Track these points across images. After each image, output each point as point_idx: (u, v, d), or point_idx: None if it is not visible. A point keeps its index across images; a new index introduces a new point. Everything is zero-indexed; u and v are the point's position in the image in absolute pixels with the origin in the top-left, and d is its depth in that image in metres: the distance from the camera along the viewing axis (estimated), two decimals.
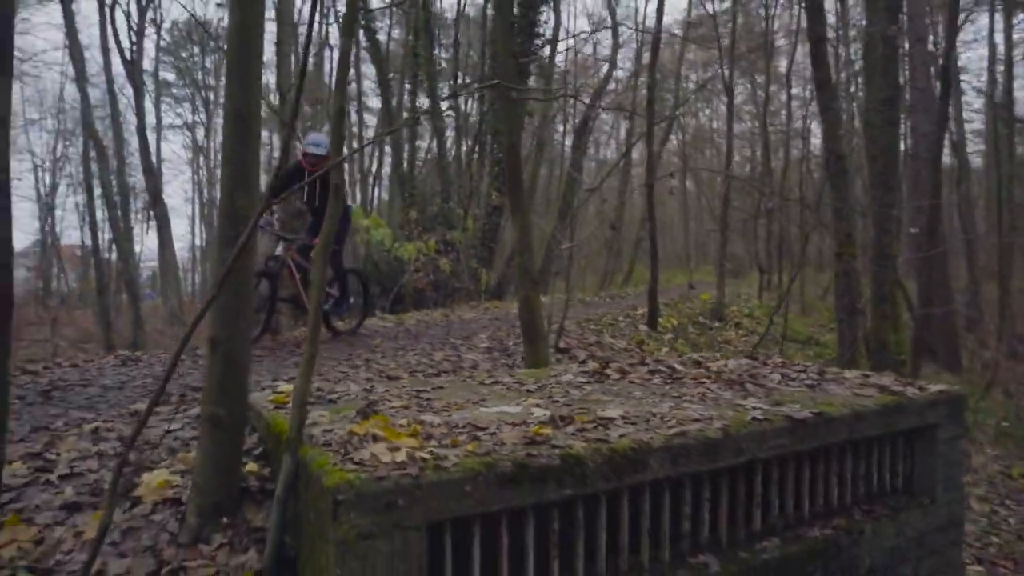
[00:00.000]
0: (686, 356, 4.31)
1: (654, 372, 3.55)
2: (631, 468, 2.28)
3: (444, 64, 17.32)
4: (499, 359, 5.13)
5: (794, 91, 19.97)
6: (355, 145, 17.84)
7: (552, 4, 14.37)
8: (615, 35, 17.73)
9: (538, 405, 2.75)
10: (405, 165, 15.06)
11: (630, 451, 2.28)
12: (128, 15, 19.45)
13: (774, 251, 14.87)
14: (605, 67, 19.04)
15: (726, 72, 12.86)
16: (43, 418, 3.27)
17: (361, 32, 14.00)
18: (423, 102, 14.97)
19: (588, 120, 16.40)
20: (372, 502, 1.86)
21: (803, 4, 8.32)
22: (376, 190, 23.18)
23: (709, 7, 16.12)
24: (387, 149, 19.35)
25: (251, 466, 2.50)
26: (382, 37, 17.78)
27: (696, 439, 2.43)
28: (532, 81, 13.15)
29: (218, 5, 23.08)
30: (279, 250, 5.90)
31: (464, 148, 15.59)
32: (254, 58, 2.41)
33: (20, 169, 29.64)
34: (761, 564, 2.57)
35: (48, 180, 29.67)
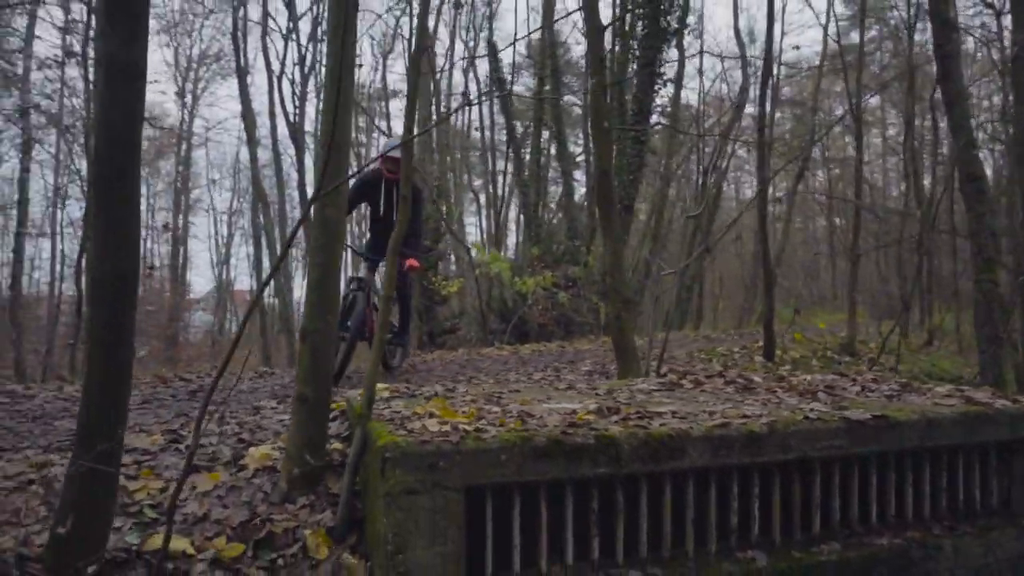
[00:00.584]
0: (772, 372, 4.25)
1: (729, 383, 3.59)
2: (668, 454, 2.39)
3: (579, 110, 17.89)
4: (596, 379, 5.28)
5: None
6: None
7: (677, 42, 14.52)
8: (744, 71, 17.48)
9: (596, 403, 2.92)
10: (533, 206, 15.64)
11: (667, 437, 2.40)
12: (293, 83, 21.85)
13: (924, 286, 13.75)
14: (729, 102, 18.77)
15: (858, 102, 12.30)
16: (186, 409, 3.88)
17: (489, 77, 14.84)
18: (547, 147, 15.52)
19: (716, 156, 16.24)
20: (415, 461, 2.13)
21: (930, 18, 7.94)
22: (507, 230, 24.02)
23: (846, 38, 15.54)
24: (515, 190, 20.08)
25: (336, 445, 2.86)
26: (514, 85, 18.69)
27: (738, 431, 2.49)
28: (655, 118, 13.31)
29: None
30: (363, 271, 5.31)
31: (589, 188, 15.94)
32: (344, 98, 2.86)
33: (204, 223, 33.68)
34: (815, 565, 2.55)
35: (225, 232, 33.41)
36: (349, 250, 5.51)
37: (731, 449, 2.48)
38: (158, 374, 5.88)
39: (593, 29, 4.79)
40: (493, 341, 9.76)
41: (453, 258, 17.37)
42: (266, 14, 18.65)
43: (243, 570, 2.26)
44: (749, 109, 19.52)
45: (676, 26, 12.76)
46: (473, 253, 11.34)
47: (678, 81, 15.03)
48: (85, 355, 2.06)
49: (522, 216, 16.76)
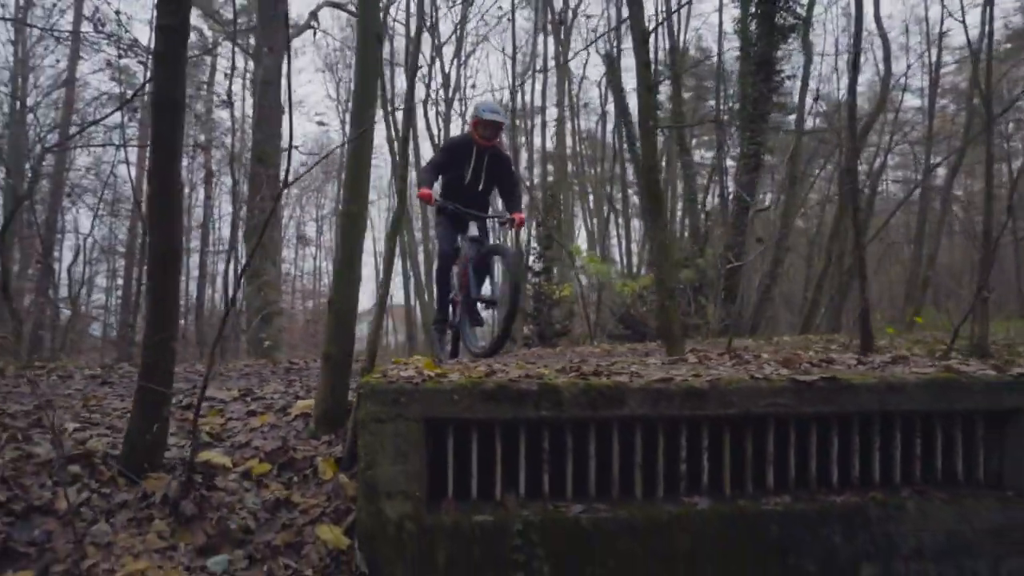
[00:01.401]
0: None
1: (733, 357, 3.77)
2: (606, 402, 2.73)
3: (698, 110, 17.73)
4: None
5: None
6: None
7: (802, 36, 14.05)
8: (888, 62, 16.36)
9: (577, 368, 3.28)
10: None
11: (605, 387, 2.74)
12: (436, 106, 23.46)
13: None
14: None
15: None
16: (270, 379, 4.69)
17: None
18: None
19: (855, 155, 15.32)
20: (382, 396, 2.65)
21: None
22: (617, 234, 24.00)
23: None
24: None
25: (354, 397, 3.45)
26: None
27: (678, 386, 2.77)
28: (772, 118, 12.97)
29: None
30: (473, 230, 5.14)
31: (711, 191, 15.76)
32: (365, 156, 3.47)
33: (367, 247, 36.64)
34: (759, 513, 2.74)
35: (383, 249, 36.14)
36: (440, 208, 5.15)
37: (671, 402, 2.75)
38: (271, 358, 6.89)
39: (639, 35, 5.09)
40: (593, 340, 10.07)
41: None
42: (418, 46, 20.21)
43: (266, 482, 2.89)
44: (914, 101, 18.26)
45: (793, 21, 12.41)
46: (577, 261, 11.73)
47: (805, 78, 14.48)
48: (147, 313, 2.77)
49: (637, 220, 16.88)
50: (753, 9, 12.31)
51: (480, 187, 5.14)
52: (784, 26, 12.37)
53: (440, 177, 5.26)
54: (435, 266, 5.30)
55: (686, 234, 15.16)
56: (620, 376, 2.93)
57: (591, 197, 23.39)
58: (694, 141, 19.96)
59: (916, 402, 2.88)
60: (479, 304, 5.07)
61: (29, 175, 12.61)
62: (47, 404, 2.98)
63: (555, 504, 2.74)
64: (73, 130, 15.28)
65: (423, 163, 6.53)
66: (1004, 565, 2.86)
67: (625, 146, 17.24)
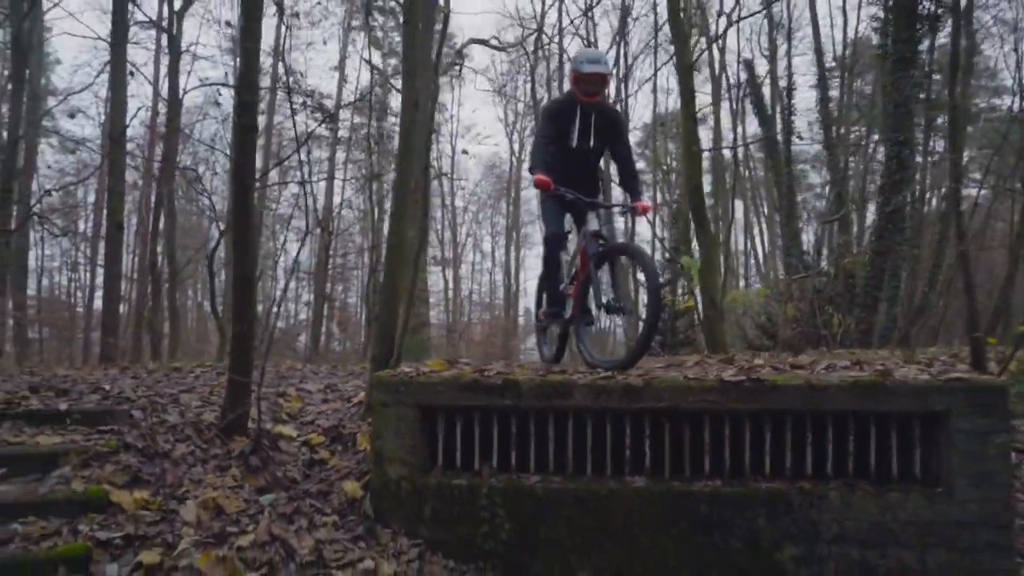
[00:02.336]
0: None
1: (725, 363, 4.17)
2: (557, 395, 3.37)
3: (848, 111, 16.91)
4: None
5: None
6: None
7: (962, 25, 13.05)
8: None
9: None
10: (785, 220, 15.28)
11: (557, 383, 3.38)
12: None
13: None
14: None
15: None
16: (360, 377, 5.76)
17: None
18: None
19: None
20: (386, 386, 3.51)
21: None
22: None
23: None
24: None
25: None
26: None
27: (617, 383, 3.34)
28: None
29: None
30: (593, 223, 4.25)
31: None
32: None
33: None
34: (688, 492, 3.23)
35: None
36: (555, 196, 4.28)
37: (611, 396, 3.33)
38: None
39: (684, 68, 5.58)
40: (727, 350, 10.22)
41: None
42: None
43: (317, 449, 3.87)
44: None
45: (936, 10, 11.65)
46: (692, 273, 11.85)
47: (968, 68, 13.35)
48: (232, 322, 3.87)
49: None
50: (890, 2, 11.73)
51: (590, 152, 4.44)
52: (929, 15, 11.66)
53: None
54: (543, 252, 4.53)
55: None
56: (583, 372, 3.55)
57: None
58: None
59: (840, 403, 3.19)
60: (602, 311, 4.28)
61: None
62: (180, 392, 4.21)
63: (519, 475, 3.43)
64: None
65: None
66: (931, 557, 3.09)
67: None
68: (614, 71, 3.44)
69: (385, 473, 3.47)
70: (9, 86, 12.81)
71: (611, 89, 4.49)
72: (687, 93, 5.54)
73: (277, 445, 3.80)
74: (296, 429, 4.04)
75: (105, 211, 13.11)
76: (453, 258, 33.31)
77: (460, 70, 20.77)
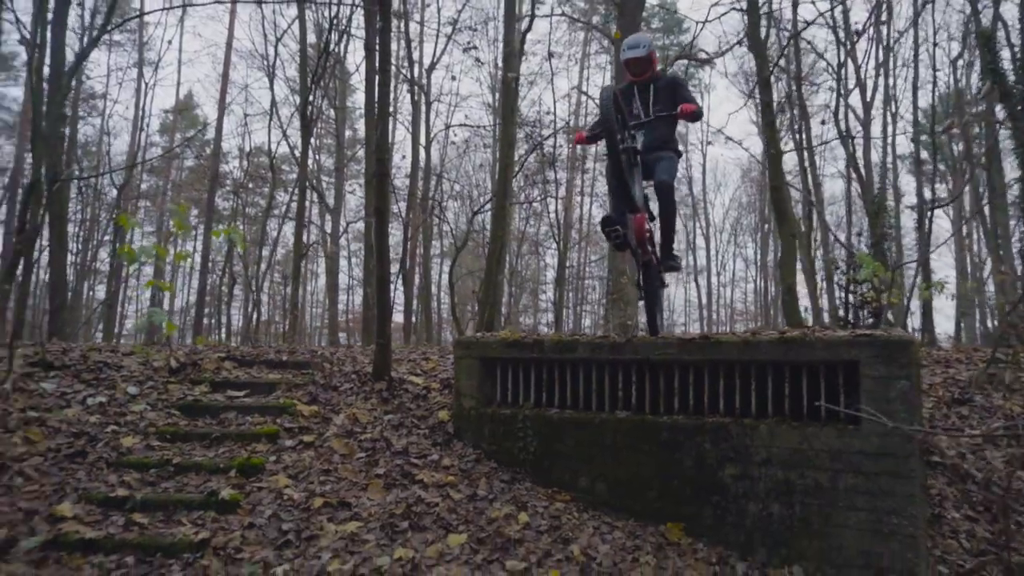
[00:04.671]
0: None
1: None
2: (567, 349, 4.67)
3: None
4: None
5: None
6: None
7: None
8: None
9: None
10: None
11: (567, 341, 4.68)
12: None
13: None
14: None
15: None
16: None
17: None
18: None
19: None
20: (461, 345, 5.11)
21: None
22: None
23: None
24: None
25: None
26: None
27: (607, 341, 4.53)
28: None
29: None
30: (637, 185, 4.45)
31: None
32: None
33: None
34: (655, 423, 4.32)
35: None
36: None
37: (602, 350, 4.54)
38: None
39: (762, 80, 6.42)
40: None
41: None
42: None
43: (432, 391, 5.59)
44: None
45: None
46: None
47: None
48: (377, 311, 5.76)
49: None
50: None
51: (656, 120, 4.73)
52: None
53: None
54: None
55: None
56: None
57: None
58: None
59: (768, 354, 4.04)
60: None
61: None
62: (358, 355, 6.25)
63: (544, 408, 4.78)
64: None
65: None
66: (841, 480, 3.80)
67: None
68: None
69: (461, 404, 5.06)
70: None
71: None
72: (765, 105, 6.32)
73: (404, 388, 5.60)
74: (422, 379, 5.82)
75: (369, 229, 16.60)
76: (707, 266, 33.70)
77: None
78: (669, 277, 5.52)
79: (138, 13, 22.52)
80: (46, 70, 11.71)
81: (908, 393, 3.70)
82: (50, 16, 11.94)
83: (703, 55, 18.30)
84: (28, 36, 12.09)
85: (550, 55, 15.39)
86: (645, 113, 4.82)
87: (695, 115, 4.62)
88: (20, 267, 11.20)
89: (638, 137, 4.61)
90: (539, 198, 16.33)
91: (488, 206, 14.59)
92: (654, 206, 4.87)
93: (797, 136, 17.09)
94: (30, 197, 11.30)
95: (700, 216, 33.97)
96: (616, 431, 4.42)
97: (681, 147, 5.21)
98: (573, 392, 4.74)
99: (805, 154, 16.76)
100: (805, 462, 3.89)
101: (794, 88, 16.45)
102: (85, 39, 16.72)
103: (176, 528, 3.98)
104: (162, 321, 5.71)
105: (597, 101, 4.66)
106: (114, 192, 21.77)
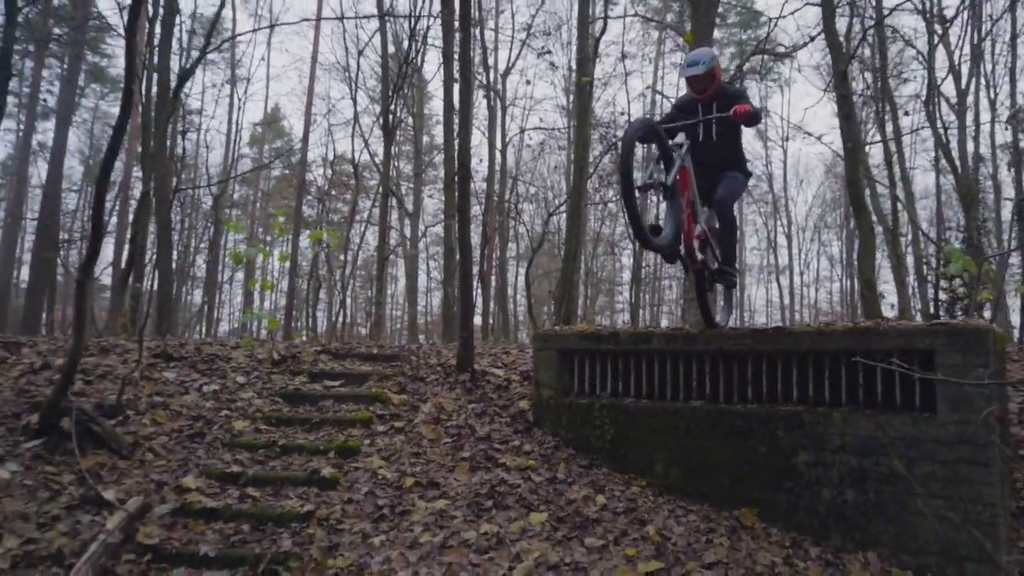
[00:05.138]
0: None
1: None
2: (642, 340, 4.85)
3: None
4: None
5: None
6: None
7: None
8: None
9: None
10: None
11: (641, 332, 4.87)
12: None
13: None
14: None
15: None
16: None
17: None
18: None
19: None
20: (540, 337, 5.37)
21: None
22: None
23: None
24: None
25: None
26: None
27: (680, 332, 4.70)
28: None
29: None
30: (675, 166, 4.09)
31: None
32: None
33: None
34: (729, 411, 4.45)
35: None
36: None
37: (676, 341, 4.71)
38: None
39: (839, 74, 6.44)
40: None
41: None
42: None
43: (512, 382, 5.88)
44: None
45: None
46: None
47: None
48: (459, 309, 6.08)
49: None
50: None
51: (715, 139, 4.65)
52: None
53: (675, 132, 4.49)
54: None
55: None
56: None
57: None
58: None
59: (841, 344, 4.10)
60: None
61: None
62: (443, 350, 6.61)
63: (620, 397, 4.98)
64: None
65: None
66: (917, 467, 3.84)
67: None
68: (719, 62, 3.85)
69: (540, 394, 5.32)
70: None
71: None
72: (842, 97, 6.33)
73: (487, 379, 5.91)
74: (503, 371, 6.11)
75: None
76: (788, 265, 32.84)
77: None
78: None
79: (232, 35, 23.92)
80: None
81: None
82: (156, 41, 12.99)
83: (781, 49, 17.98)
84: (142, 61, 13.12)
85: (623, 56, 15.52)
86: (706, 131, 4.68)
87: (751, 117, 4.41)
88: (132, 272, 12.21)
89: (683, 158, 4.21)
90: (614, 199, 16.43)
91: (563, 207, 14.85)
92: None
93: (884, 128, 16.53)
94: (141, 208, 12.32)
95: (781, 214, 33.09)
96: (690, 419, 4.58)
97: (751, 166, 5.02)
98: (648, 382, 4.92)
99: (893, 147, 16.20)
100: (880, 449, 3.95)
101: (879, 79, 15.92)
102: (185, 60, 17.97)
103: (284, 501, 4.41)
104: (263, 319, 6.22)
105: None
106: (210, 201, 23.20)
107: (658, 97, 23.04)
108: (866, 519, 3.94)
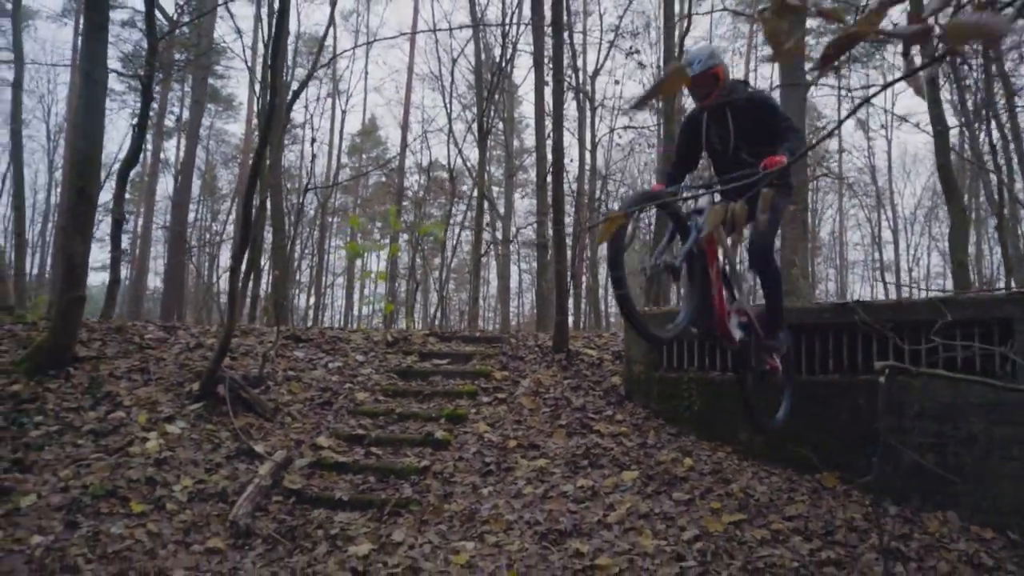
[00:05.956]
0: None
1: None
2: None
3: None
4: None
5: None
6: None
7: None
8: None
9: None
10: None
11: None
12: None
13: None
14: None
15: None
16: None
17: None
18: None
19: None
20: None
21: None
22: None
23: None
24: None
25: None
26: None
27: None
28: None
29: None
30: (691, 239, 3.39)
31: None
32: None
33: None
34: (811, 382, 4.72)
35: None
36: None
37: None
38: None
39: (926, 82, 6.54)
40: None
41: None
42: None
43: (605, 361, 6.30)
44: None
45: None
46: None
47: None
48: (556, 291, 6.55)
49: None
50: None
51: (731, 153, 3.84)
52: None
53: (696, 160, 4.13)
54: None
55: None
56: None
57: None
58: None
59: (920, 315, 4.30)
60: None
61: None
62: (540, 332, 7.12)
63: (706, 371, 5.32)
64: None
65: None
66: (996, 431, 4.01)
67: None
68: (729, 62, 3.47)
69: (631, 370, 5.73)
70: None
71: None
72: (931, 79, 6.41)
73: (581, 358, 6.36)
74: (596, 351, 6.54)
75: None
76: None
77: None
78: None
79: (334, 53, 25.51)
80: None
81: None
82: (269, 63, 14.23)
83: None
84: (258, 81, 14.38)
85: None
86: (724, 148, 3.87)
87: (789, 163, 3.39)
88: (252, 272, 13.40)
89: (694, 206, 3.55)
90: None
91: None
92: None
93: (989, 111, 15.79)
94: (259, 215, 13.53)
95: (886, 207, 31.71)
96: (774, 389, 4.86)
97: (792, 180, 4.12)
98: (723, 356, 5.23)
99: (1005, 130, 15.46)
100: (959, 415, 4.13)
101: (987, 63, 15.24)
102: (289, 77, 19.43)
103: (403, 458, 5.02)
104: (380, 304, 6.92)
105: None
106: (314, 207, 24.80)
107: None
108: (946, 481, 4.13)
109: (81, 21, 19.02)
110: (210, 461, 4.86)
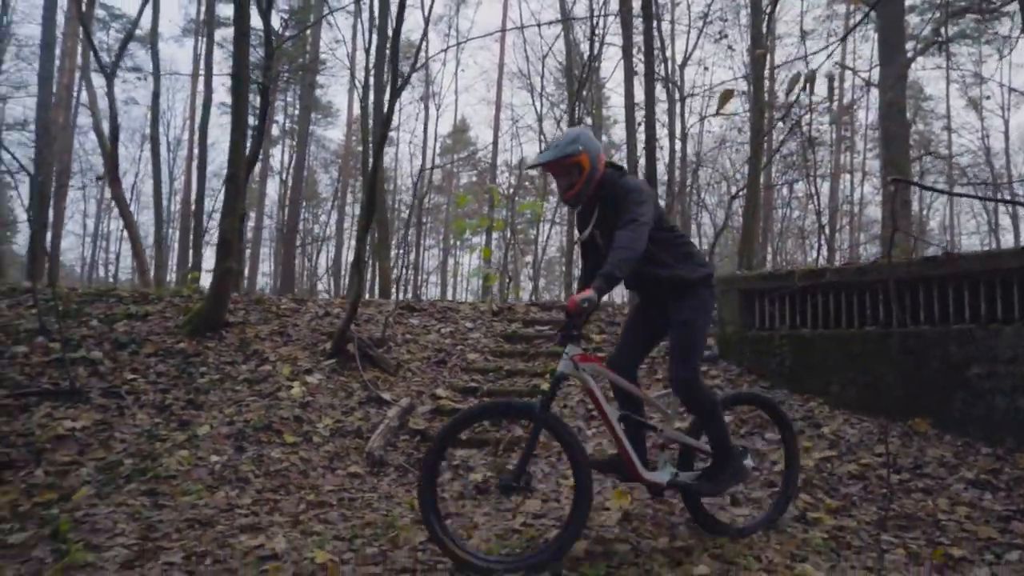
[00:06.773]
0: None
1: None
2: (816, 276, 5.41)
3: None
4: None
5: None
6: None
7: None
8: None
9: None
10: None
11: (815, 268, 5.43)
12: None
13: None
14: None
15: None
16: None
17: None
18: None
19: None
20: (724, 281, 6.09)
21: None
22: None
23: None
24: None
25: None
26: None
27: (852, 266, 5.20)
28: None
29: None
30: (563, 361, 3.08)
31: None
32: None
33: None
34: (902, 334, 4.91)
35: None
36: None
37: (847, 273, 5.22)
38: None
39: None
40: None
41: None
42: None
43: None
44: None
45: None
46: None
47: None
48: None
49: None
50: None
51: (598, 243, 3.22)
52: None
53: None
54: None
55: None
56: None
57: None
58: None
59: (1010, 263, 4.43)
60: None
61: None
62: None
63: (797, 328, 5.57)
64: None
65: None
66: None
67: None
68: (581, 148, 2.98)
69: (724, 330, 6.04)
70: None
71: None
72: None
73: None
74: None
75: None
76: None
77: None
78: None
79: (426, 57, 26.60)
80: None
81: None
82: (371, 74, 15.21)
83: (990, 4, 16.71)
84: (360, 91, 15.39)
85: (803, 34, 15.40)
86: (591, 244, 3.26)
87: (600, 295, 2.87)
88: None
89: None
90: (798, 179, 16.29)
91: (743, 191, 15.03)
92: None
93: None
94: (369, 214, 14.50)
95: (1003, 193, 29.79)
96: (864, 343, 5.09)
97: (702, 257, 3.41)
98: (824, 313, 5.46)
99: None
100: None
101: None
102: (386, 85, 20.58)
103: None
104: (486, 275, 7.51)
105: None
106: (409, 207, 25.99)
107: (847, 73, 22.13)
108: None
109: (203, 39, 20.81)
110: (345, 405, 5.55)
